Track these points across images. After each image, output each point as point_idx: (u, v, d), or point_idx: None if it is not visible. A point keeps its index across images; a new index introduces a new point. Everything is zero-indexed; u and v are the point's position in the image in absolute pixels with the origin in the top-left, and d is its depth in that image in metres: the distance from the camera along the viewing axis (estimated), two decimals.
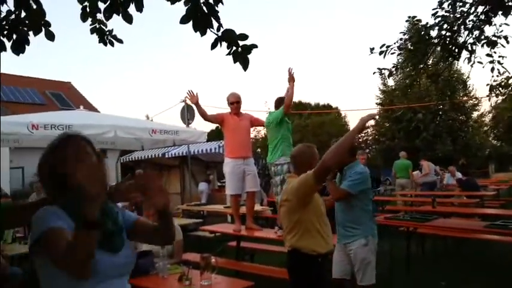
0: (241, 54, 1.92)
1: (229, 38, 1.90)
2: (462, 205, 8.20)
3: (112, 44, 2.64)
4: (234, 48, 1.93)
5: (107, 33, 2.61)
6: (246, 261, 5.47)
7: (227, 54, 1.95)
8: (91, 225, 1.17)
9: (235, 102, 5.09)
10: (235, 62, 1.95)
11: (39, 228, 1.31)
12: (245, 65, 1.93)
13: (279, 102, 4.94)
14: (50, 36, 2.37)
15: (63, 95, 19.75)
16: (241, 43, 1.94)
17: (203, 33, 1.90)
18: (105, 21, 2.41)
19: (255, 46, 1.93)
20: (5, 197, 7.50)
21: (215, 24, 1.91)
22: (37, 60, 48.36)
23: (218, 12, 1.90)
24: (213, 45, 1.93)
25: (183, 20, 1.87)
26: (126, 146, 9.15)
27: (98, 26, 2.53)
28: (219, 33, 1.92)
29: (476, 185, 9.79)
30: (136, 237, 1.64)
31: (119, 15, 2.22)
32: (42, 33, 2.45)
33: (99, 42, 2.63)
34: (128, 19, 2.22)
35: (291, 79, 4.68)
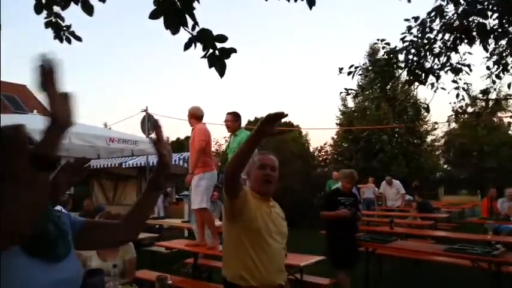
0: (219, 59, 1.70)
1: (206, 38, 1.69)
2: (418, 227, 8.35)
3: (69, 41, 2.34)
4: (211, 51, 1.71)
5: (64, 28, 2.32)
6: (203, 279, 5.22)
7: (202, 57, 1.73)
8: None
9: None
10: (210, 66, 1.73)
11: None
12: (222, 71, 1.71)
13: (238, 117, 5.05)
14: None
15: (17, 98, 18.72)
16: (219, 45, 1.72)
17: (175, 32, 1.68)
18: (61, 11, 2.11)
19: (234, 50, 1.72)
20: None
21: (190, 23, 1.69)
22: None
23: (194, 9, 1.68)
24: (187, 46, 1.71)
25: (153, 15, 1.63)
26: (81, 154, 8.63)
27: (53, 20, 2.25)
28: (194, 33, 1.71)
29: (431, 207, 10.03)
30: (87, 242, 1.37)
31: (77, 4, 1.93)
32: None
33: (55, 38, 2.34)
34: (88, 10, 1.92)
35: None
